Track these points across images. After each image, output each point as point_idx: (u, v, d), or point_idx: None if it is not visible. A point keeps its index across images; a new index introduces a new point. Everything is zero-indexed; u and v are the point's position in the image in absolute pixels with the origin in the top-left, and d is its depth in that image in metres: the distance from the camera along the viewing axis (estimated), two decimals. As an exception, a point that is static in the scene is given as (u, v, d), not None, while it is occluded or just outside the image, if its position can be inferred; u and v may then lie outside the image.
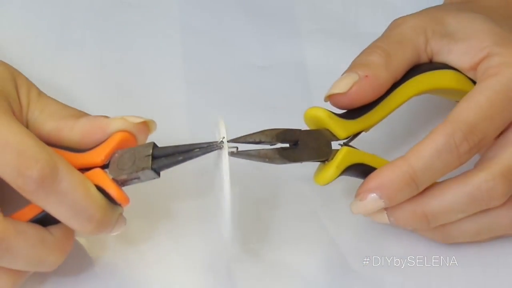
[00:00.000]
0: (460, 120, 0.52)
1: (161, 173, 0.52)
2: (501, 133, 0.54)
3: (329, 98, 0.54)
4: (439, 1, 0.63)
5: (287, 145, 0.53)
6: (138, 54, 0.69)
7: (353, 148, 0.54)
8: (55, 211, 0.50)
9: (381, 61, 0.54)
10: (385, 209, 0.54)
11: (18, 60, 0.61)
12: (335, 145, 0.54)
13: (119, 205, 0.52)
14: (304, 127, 0.55)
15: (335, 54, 0.69)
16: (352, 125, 0.54)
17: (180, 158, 0.52)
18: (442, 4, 0.60)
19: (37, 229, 0.51)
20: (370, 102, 0.54)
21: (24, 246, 0.50)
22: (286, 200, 0.61)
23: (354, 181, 0.55)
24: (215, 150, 0.52)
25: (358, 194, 0.54)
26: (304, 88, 0.68)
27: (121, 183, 0.52)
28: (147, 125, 0.54)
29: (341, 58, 0.67)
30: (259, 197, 0.61)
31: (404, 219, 0.54)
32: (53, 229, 0.52)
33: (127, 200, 0.52)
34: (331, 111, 0.54)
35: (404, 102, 0.55)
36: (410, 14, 0.58)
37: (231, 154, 0.51)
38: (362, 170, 0.54)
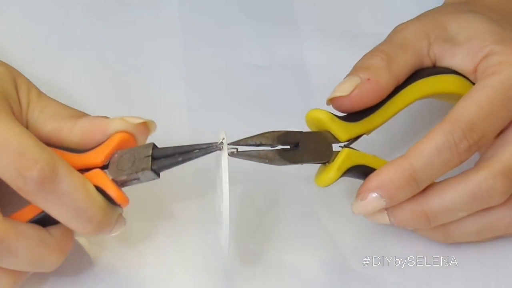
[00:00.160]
0: (459, 119, 0.52)
1: (161, 173, 0.52)
2: (501, 132, 0.54)
3: (331, 101, 0.54)
4: (439, 1, 0.63)
5: (288, 147, 0.53)
6: (138, 54, 0.69)
7: (354, 150, 0.54)
8: (55, 212, 0.50)
9: (383, 64, 0.54)
10: (386, 209, 0.54)
11: (19, 60, 0.61)
12: (336, 147, 0.54)
13: (119, 205, 0.52)
14: (304, 127, 0.55)
15: (335, 54, 0.69)
16: (354, 128, 0.54)
17: (180, 159, 0.51)
18: (442, 5, 0.60)
19: (37, 230, 0.51)
20: (372, 106, 0.54)
21: (24, 247, 0.50)
22: (286, 200, 0.61)
23: (354, 181, 0.55)
24: (215, 151, 0.52)
25: (359, 194, 0.54)
26: (304, 88, 0.68)
27: (121, 184, 0.52)
28: (146, 126, 0.54)
29: (341, 58, 0.68)
30: (259, 197, 0.61)
31: (404, 219, 0.54)
32: (53, 229, 0.52)
33: (126, 200, 0.52)
34: (332, 113, 0.54)
35: (406, 106, 0.55)
36: (412, 19, 0.58)
37: (231, 154, 0.51)
38: (363, 171, 0.54)
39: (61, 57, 0.68)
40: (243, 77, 0.69)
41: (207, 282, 0.56)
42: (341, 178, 0.54)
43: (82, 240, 0.57)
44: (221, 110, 0.66)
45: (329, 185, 0.54)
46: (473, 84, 0.55)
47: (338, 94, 0.54)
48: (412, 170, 0.52)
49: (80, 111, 0.55)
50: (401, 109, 0.55)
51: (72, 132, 0.53)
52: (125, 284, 0.55)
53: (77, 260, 0.55)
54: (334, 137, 0.54)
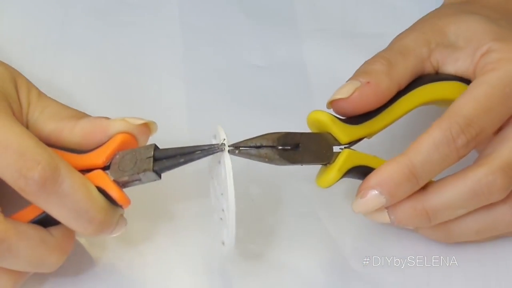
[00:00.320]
0: (457, 114, 0.52)
1: (162, 174, 0.52)
2: (500, 129, 0.54)
3: (331, 104, 0.54)
4: (439, 1, 0.63)
5: (288, 147, 0.53)
6: (138, 54, 0.69)
7: (354, 151, 0.54)
8: (56, 213, 0.50)
9: (383, 69, 0.54)
10: (386, 208, 0.54)
11: (19, 60, 0.61)
12: (336, 149, 0.54)
13: (120, 206, 0.52)
14: (304, 127, 0.55)
15: (335, 54, 0.69)
16: (355, 131, 0.54)
17: (182, 160, 0.51)
18: (441, 7, 0.60)
19: (38, 230, 0.51)
20: (372, 110, 0.54)
21: (25, 247, 0.50)
22: (286, 200, 0.61)
23: (354, 182, 0.55)
24: (217, 152, 0.52)
25: (359, 192, 0.54)
26: (304, 88, 0.68)
27: (122, 185, 0.52)
28: (148, 127, 0.54)
29: (341, 58, 0.68)
30: (259, 197, 0.61)
31: (405, 217, 0.54)
32: (54, 230, 0.52)
33: (128, 201, 0.52)
34: (334, 115, 0.54)
35: (408, 111, 0.55)
36: (412, 27, 0.58)
37: (231, 152, 0.52)
38: (364, 172, 0.54)
39: (61, 57, 0.68)
40: (243, 77, 0.69)
41: (207, 282, 0.56)
42: (342, 179, 0.54)
43: (82, 241, 0.57)
44: (221, 110, 0.66)
45: (330, 186, 0.54)
46: None
47: (338, 96, 0.54)
48: (412, 166, 0.52)
49: (80, 112, 0.55)
50: (402, 115, 0.55)
51: (72, 132, 0.53)
52: (126, 284, 0.55)
53: (77, 260, 0.55)
54: (335, 139, 0.54)
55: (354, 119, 0.54)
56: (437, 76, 0.56)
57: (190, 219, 0.59)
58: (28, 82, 0.55)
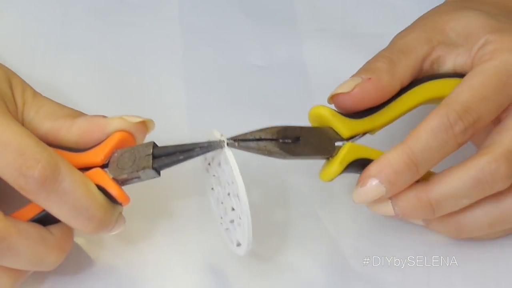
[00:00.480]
0: (454, 101, 0.53)
1: (161, 172, 0.52)
2: (499, 121, 0.54)
3: (332, 99, 0.54)
4: (438, 1, 0.63)
5: (288, 141, 0.53)
6: (138, 54, 0.69)
7: (356, 144, 0.54)
8: (56, 211, 0.50)
9: (384, 66, 0.54)
10: (390, 198, 0.54)
11: (18, 60, 0.61)
12: (339, 144, 0.54)
13: (120, 204, 0.52)
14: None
15: (335, 54, 0.69)
16: (356, 125, 0.54)
17: (181, 157, 0.51)
18: (442, 5, 0.61)
19: (38, 228, 0.51)
20: (374, 106, 0.54)
21: (25, 245, 0.50)
22: (286, 200, 0.61)
23: (355, 181, 0.55)
24: (216, 149, 0.51)
25: (359, 182, 0.54)
26: (304, 88, 0.68)
27: (121, 183, 0.52)
28: (145, 125, 0.54)
29: (341, 58, 0.68)
30: (259, 197, 0.61)
31: (408, 207, 0.54)
32: (53, 228, 0.52)
33: (127, 199, 0.52)
34: (335, 110, 0.54)
35: (410, 108, 0.55)
36: (413, 25, 0.58)
37: (231, 145, 0.51)
38: (366, 165, 0.54)
39: (61, 57, 0.68)
40: (243, 77, 0.69)
41: (207, 282, 0.56)
42: (342, 177, 0.54)
43: (81, 239, 0.57)
44: (221, 110, 0.66)
45: (332, 179, 0.54)
46: None
47: (339, 91, 0.54)
48: (411, 153, 0.52)
49: (76, 111, 0.55)
50: (405, 112, 0.55)
51: (70, 131, 0.53)
52: (125, 283, 0.55)
53: (76, 259, 0.55)
54: (336, 133, 0.54)
55: (357, 114, 0.54)
56: (439, 74, 0.56)
57: (190, 217, 0.59)
58: (23, 82, 0.55)
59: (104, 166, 0.52)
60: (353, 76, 0.55)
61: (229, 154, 0.51)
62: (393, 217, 0.55)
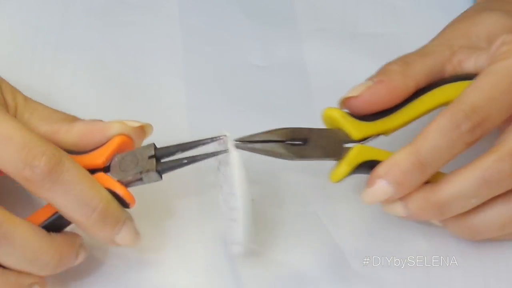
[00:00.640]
0: (462, 102, 0.53)
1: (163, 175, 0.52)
2: (508, 123, 0.54)
3: (344, 103, 0.54)
4: (439, 1, 0.63)
5: (296, 143, 0.53)
6: (138, 54, 0.69)
7: (366, 146, 0.54)
8: (59, 202, 0.51)
9: (399, 69, 0.55)
10: (400, 199, 0.54)
11: (18, 60, 0.61)
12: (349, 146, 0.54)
13: (126, 206, 0.52)
14: (305, 126, 0.55)
15: (335, 54, 0.69)
16: (368, 127, 0.54)
17: (185, 161, 0.52)
18: (468, 9, 0.60)
19: (35, 226, 0.51)
20: (387, 108, 0.54)
21: (20, 236, 0.50)
22: (286, 200, 0.61)
23: (355, 181, 0.55)
24: (222, 154, 0.52)
25: (368, 182, 0.54)
26: (304, 88, 0.68)
27: (125, 185, 0.52)
28: (143, 130, 0.54)
29: (341, 58, 0.68)
30: (259, 197, 0.61)
31: (417, 208, 0.54)
32: (54, 234, 0.52)
33: (134, 200, 0.52)
34: (347, 112, 0.54)
35: (427, 111, 0.55)
36: (437, 34, 0.58)
37: (237, 146, 0.51)
38: (375, 167, 0.54)
39: (61, 57, 0.68)
40: (243, 77, 0.69)
41: (207, 282, 0.56)
42: (352, 175, 0.54)
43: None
44: (221, 110, 0.66)
45: (340, 180, 0.54)
46: None
47: (349, 94, 0.54)
48: (418, 154, 0.52)
49: (70, 115, 0.55)
50: (421, 114, 0.55)
51: (69, 134, 0.53)
52: (125, 283, 0.55)
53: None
54: (347, 135, 0.54)
55: (369, 116, 0.54)
56: (458, 76, 0.56)
57: (191, 218, 0.59)
58: (13, 87, 0.55)
59: (105, 170, 0.53)
60: (367, 79, 0.55)
61: (234, 155, 0.51)
62: (406, 218, 0.55)
